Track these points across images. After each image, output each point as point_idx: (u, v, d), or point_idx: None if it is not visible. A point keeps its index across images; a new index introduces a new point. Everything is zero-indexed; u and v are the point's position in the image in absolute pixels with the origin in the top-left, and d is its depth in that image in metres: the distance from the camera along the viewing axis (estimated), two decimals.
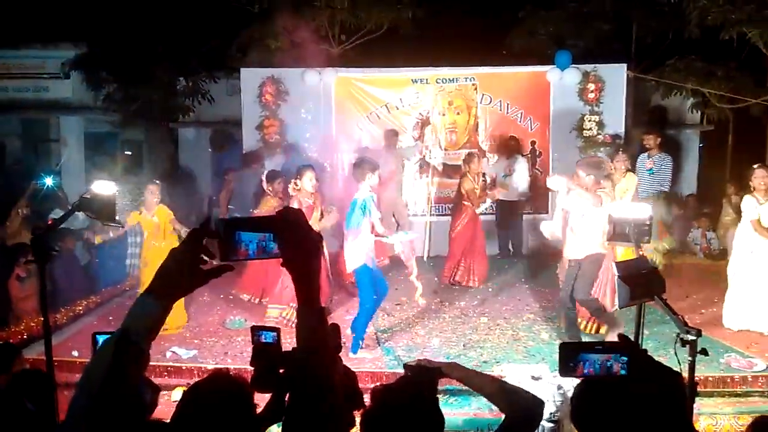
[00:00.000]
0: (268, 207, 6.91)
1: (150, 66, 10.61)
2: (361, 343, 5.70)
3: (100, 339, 1.93)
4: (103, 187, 2.77)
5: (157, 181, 6.77)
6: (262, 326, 2.21)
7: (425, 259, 9.06)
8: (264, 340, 2.17)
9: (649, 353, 1.86)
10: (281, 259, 1.40)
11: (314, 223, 5.87)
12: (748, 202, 6.23)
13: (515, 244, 9.71)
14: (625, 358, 1.89)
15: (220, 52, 10.79)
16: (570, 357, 1.93)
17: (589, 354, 1.92)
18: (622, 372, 1.88)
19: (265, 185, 7.25)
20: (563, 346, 1.96)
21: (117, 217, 2.70)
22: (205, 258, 1.38)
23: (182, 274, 1.38)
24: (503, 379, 2.16)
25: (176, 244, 6.26)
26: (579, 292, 5.62)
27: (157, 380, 3.86)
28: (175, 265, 1.38)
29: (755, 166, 6.34)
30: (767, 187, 6.10)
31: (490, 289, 7.95)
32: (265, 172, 7.59)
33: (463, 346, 6.01)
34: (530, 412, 2.01)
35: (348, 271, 5.73)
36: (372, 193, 5.73)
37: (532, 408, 2.02)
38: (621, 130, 9.66)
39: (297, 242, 1.38)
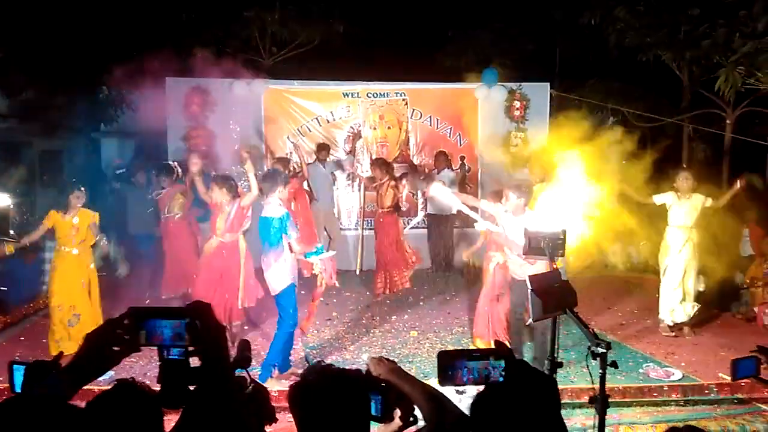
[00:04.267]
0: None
1: (71, 73, 10.14)
2: (273, 369, 5.22)
3: (17, 370, 1.80)
4: None
5: (83, 188, 6.36)
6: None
7: (357, 273, 9.01)
8: (170, 356, 2.12)
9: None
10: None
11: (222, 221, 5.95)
12: (667, 195, 6.66)
13: (446, 258, 9.80)
14: (502, 364, 1.88)
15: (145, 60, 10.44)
16: (448, 365, 1.90)
17: (467, 362, 1.90)
18: (500, 379, 1.87)
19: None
20: (441, 355, 1.92)
21: (11, 232, 2.53)
22: (116, 346, 1.60)
23: (96, 358, 1.60)
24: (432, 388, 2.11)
25: (88, 255, 6.01)
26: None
27: None
28: (90, 349, 1.60)
29: (683, 167, 6.90)
30: (688, 188, 6.56)
31: (420, 303, 7.97)
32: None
33: None
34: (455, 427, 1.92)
35: (274, 292, 5.32)
36: (286, 211, 5.32)
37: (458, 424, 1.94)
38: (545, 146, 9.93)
39: (205, 332, 1.60)
